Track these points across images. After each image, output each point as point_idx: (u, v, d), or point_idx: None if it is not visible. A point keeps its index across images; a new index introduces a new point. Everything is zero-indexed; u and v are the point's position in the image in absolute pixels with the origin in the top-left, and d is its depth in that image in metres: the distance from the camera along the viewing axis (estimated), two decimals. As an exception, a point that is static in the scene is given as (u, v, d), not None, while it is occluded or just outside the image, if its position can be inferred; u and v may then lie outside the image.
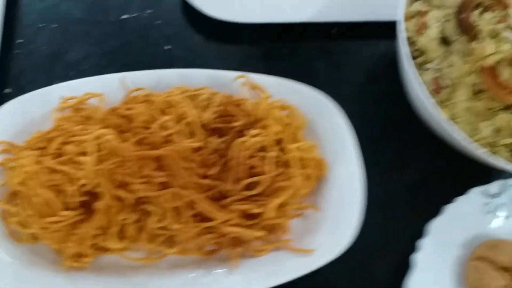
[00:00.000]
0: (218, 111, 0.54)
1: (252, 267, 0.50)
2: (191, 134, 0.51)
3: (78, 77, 0.60)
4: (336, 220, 0.53)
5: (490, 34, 0.55)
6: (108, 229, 0.48)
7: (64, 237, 0.47)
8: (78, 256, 0.48)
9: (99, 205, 0.47)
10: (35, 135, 0.52)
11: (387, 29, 0.61)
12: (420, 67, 0.57)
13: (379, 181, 0.59)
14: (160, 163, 0.48)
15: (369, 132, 0.62)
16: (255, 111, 0.53)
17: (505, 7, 0.57)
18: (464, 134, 0.52)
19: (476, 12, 0.57)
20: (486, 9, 0.57)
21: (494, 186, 0.57)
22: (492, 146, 0.54)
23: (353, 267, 0.55)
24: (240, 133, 0.52)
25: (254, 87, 0.58)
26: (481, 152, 0.52)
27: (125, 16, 0.71)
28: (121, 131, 0.50)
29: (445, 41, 0.58)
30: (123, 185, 0.47)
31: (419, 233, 0.55)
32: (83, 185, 0.47)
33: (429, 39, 0.57)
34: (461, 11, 0.57)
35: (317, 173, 0.55)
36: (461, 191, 0.57)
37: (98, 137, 0.47)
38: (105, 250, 0.49)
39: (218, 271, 0.50)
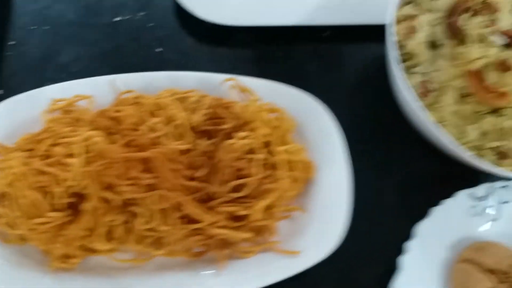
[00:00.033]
0: (207, 114, 0.54)
1: (240, 269, 0.51)
2: (180, 136, 0.52)
3: (69, 79, 0.60)
4: (323, 222, 0.53)
5: (478, 38, 0.55)
6: (95, 231, 0.48)
7: (51, 238, 0.48)
8: (66, 257, 0.48)
9: (86, 206, 0.47)
10: (24, 137, 0.52)
11: (379, 32, 0.61)
12: (408, 70, 0.57)
13: (368, 183, 0.59)
14: (147, 165, 0.48)
15: (359, 135, 0.63)
16: (243, 114, 0.54)
17: (494, 11, 0.58)
18: (451, 137, 0.53)
19: (465, 16, 0.57)
20: (475, 13, 0.58)
21: (481, 189, 0.57)
22: (478, 149, 0.54)
23: (340, 269, 0.55)
24: (229, 135, 0.52)
25: (243, 90, 0.58)
26: (467, 155, 0.52)
27: (117, 19, 0.71)
28: (110, 133, 0.50)
29: (433, 45, 0.58)
30: (110, 187, 0.47)
31: (406, 236, 0.55)
32: (71, 186, 0.47)
33: (417, 43, 0.58)
34: (450, 15, 0.58)
35: (305, 176, 0.55)
36: (449, 194, 0.58)
37: (86, 139, 0.48)
38: (93, 251, 0.49)
39: (205, 272, 0.50)
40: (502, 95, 0.53)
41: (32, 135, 0.52)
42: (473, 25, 0.56)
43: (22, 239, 0.49)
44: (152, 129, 0.51)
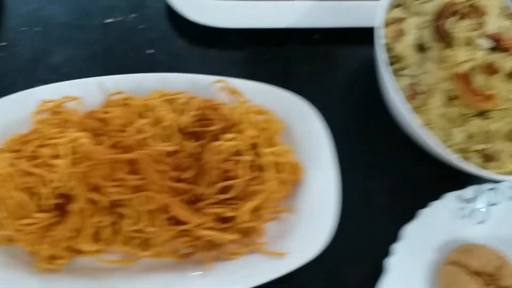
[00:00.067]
0: (196, 115, 0.54)
1: (227, 270, 0.51)
2: (167, 138, 0.52)
3: (60, 81, 0.60)
4: (311, 223, 0.53)
5: (465, 41, 0.56)
6: (82, 232, 0.48)
7: (38, 239, 0.48)
8: (53, 258, 0.48)
9: (73, 207, 0.47)
10: (12, 137, 0.52)
11: (368, 35, 0.61)
12: (397, 73, 0.58)
13: (356, 185, 0.59)
14: (134, 167, 0.48)
15: (348, 137, 0.63)
16: (231, 116, 0.54)
17: (481, 14, 0.58)
18: (437, 140, 0.53)
19: (453, 19, 0.58)
20: (463, 16, 0.58)
21: (469, 191, 0.57)
22: (464, 152, 0.54)
23: (328, 270, 0.56)
24: (217, 137, 0.53)
25: (232, 92, 0.58)
26: (453, 158, 0.53)
27: (109, 20, 0.71)
28: (97, 134, 0.51)
29: (421, 47, 0.58)
30: (96, 188, 0.47)
31: (394, 237, 0.56)
32: (57, 187, 0.47)
33: (405, 46, 0.58)
34: (438, 18, 0.58)
35: (293, 177, 0.55)
36: (438, 196, 0.58)
37: (72, 141, 0.48)
38: (80, 252, 0.49)
39: (192, 274, 0.51)
40: (489, 97, 0.53)
41: (20, 136, 0.52)
42: (460, 28, 0.57)
43: (9, 240, 0.49)
44: (140, 131, 0.51)
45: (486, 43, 0.55)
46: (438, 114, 0.55)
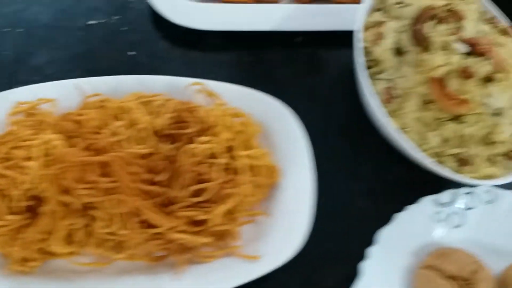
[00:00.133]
0: (172, 118, 0.54)
1: (200, 273, 0.51)
2: (142, 140, 0.52)
3: (42, 82, 0.60)
4: (286, 226, 0.53)
5: (441, 45, 0.56)
6: (53, 234, 0.48)
7: (9, 242, 0.48)
8: (25, 260, 0.48)
9: (44, 209, 0.47)
10: (-13, 139, 0.52)
11: (351, 38, 0.61)
12: (374, 76, 0.58)
13: (334, 188, 0.59)
14: (106, 169, 0.48)
15: (328, 140, 0.63)
16: (207, 118, 0.54)
17: (460, 19, 0.58)
18: (412, 144, 0.53)
19: (431, 23, 0.58)
20: (440, 20, 0.58)
21: (445, 195, 0.57)
22: (439, 156, 0.54)
23: (303, 273, 0.55)
24: (192, 139, 0.53)
25: (210, 94, 0.58)
26: (428, 162, 0.53)
27: (92, 22, 0.72)
28: (72, 136, 0.51)
29: (399, 51, 0.58)
30: (68, 190, 0.47)
31: (371, 241, 0.56)
32: (29, 189, 0.47)
33: (383, 49, 0.58)
34: (416, 22, 0.58)
35: (269, 180, 0.55)
36: (415, 200, 0.58)
37: (45, 143, 0.48)
38: (52, 254, 0.49)
39: (165, 277, 0.51)
40: (463, 102, 0.53)
41: (-5, 138, 0.52)
42: (437, 32, 0.57)
43: (-19, 242, 0.49)
44: (114, 133, 0.51)
45: (462, 48, 0.55)
46: (413, 118, 0.55)
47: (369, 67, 0.58)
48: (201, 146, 0.51)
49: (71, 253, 0.50)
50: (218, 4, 0.71)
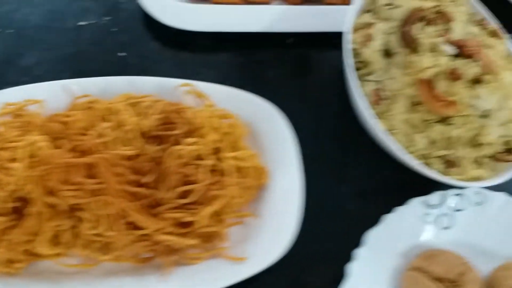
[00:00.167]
0: (160, 119, 0.54)
1: (187, 275, 0.51)
2: (128, 142, 0.52)
3: (32, 83, 0.60)
4: (274, 228, 0.53)
5: (430, 47, 0.56)
6: (39, 235, 0.48)
7: (-6, 243, 0.48)
8: (10, 262, 0.48)
9: (30, 211, 0.47)
10: (-26, 141, 0.52)
11: (342, 40, 0.62)
12: (363, 78, 0.58)
13: (323, 189, 0.60)
14: (92, 171, 0.48)
15: (318, 141, 0.63)
16: (194, 119, 0.54)
17: (448, 21, 0.58)
18: (399, 146, 0.53)
19: (420, 25, 0.58)
20: (430, 22, 0.58)
21: (434, 197, 0.57)
22: (427, 158, 0.54)
23: (290, 275, 0.55)
24: (179, 141, 0.52)
25: (199, 95, 0.58)
26: (415, 164, 0.53)
27: (82, 23, 0.72)
28: (58, 137, 0.51)
29: (388, 53, 0.58)
30: (53, 192, 0.47)
31: (359, 243, 0.56)
32: (15, 191, 0.47)
33: (372, 51, 0.58)
34: (405, 24, 0.58)
35: (257, 182, 0.55)
36: (404, 201, 0.58)
37: (31, 144, 0.48)
38: (38, 256, 0.49)
39: (152, 278, 0.50)
40: (450, 104, 0.53)
41: (-18, 139, 0.52)
42: (426, 34, 0.57)
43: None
44: (101, 134, 0.51)
45: (450, 49, 0.55)
46: (401, 119, 0.55)
47: (358, 69, 0.58)
48: (188, 147, 0.51)
49: (57, 255, 0.50)
50: (208, 5, 0.71)
